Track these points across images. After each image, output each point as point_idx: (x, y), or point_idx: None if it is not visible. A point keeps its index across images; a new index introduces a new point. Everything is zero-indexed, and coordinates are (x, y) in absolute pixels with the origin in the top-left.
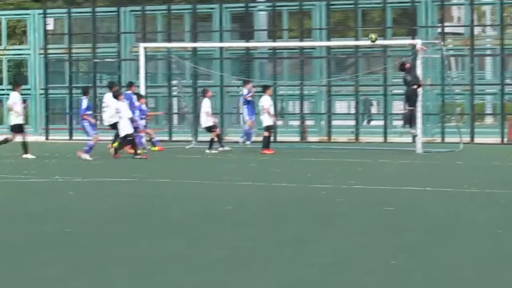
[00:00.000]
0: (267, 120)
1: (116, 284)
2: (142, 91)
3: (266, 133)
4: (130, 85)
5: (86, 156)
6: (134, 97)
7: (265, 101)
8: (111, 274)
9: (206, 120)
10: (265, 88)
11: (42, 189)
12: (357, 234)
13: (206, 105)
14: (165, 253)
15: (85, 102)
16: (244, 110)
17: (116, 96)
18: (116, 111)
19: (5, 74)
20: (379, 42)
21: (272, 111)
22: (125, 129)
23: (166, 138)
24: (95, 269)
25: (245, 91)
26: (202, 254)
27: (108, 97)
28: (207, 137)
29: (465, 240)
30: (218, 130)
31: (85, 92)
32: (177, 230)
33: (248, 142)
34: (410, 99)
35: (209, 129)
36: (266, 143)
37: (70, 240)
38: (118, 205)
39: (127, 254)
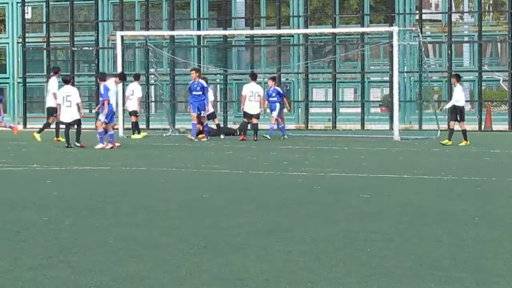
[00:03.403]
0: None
1: (92, 272)
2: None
3: (255, 120)
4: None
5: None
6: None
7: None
8: (87, 262)
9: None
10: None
11: (19, 177)
12: (334, 222)
13: (211, 93)
14: (140, 242)
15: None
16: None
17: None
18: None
19: None
20: (357, 29)
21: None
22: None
23: (144, 126)
24: (72, 257)
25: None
26: (176, 243)
27: (133, 87)
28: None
29: (441, 228)
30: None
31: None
32: (152, 218)
33: (286, 136)
34: None
35: (212, 116)
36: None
37: (47, 229)
38: (94, 193)
39: (103, 242)
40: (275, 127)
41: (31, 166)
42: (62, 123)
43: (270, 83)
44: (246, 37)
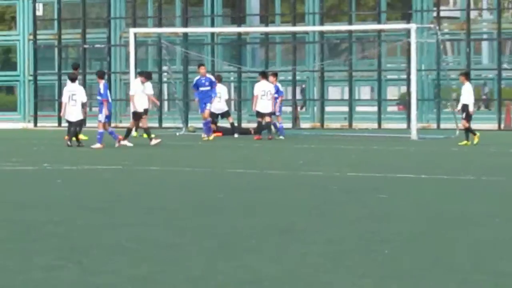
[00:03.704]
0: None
1: (104, 273)
2: (132, 77)
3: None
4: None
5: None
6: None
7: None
8: (99, 263)
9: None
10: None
11: (29, 177)
12: (350, 223)
13: (225, 91)
14: (153, 242)
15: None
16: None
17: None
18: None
19: None
20: (373, 26)
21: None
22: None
23: (156, 124)
24: (84, 258)
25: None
26: (190, 244)
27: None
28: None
29: (460, 229)
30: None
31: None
32: (165, 218)
33: (281, 137)
34: None
35: (226, 115)
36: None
37: (58, 229)
38: (106, 193)
39: (115, 243)
40: (283, 125)
41: (42, 165)
42: (67, 121)
43: (271, 79)
44: (261, 34)
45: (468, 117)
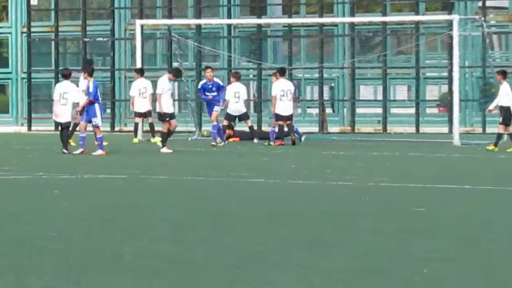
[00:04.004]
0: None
1: None
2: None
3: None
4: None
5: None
6: None
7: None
8: (100, 282)
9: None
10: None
11: (23, 187)
12: (384, 238)
13: (244, 91)
14: (162, 258)
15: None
16: None
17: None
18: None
19: None
20: (411, 18)
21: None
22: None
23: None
24: (83, 277)
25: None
26: (204, 259)
27: (146, 83)
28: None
29: (508, 244)
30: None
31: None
32: (176, 232)
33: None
34: None
35: (244, 117)
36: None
37: (55, 245)
38: (108, 205)
39: (119, 259)
40: (276, 129)
41: (37, 174)
42: (56, 123)
43: (274, 78)
44: (283, 26)
45: (506, 121)
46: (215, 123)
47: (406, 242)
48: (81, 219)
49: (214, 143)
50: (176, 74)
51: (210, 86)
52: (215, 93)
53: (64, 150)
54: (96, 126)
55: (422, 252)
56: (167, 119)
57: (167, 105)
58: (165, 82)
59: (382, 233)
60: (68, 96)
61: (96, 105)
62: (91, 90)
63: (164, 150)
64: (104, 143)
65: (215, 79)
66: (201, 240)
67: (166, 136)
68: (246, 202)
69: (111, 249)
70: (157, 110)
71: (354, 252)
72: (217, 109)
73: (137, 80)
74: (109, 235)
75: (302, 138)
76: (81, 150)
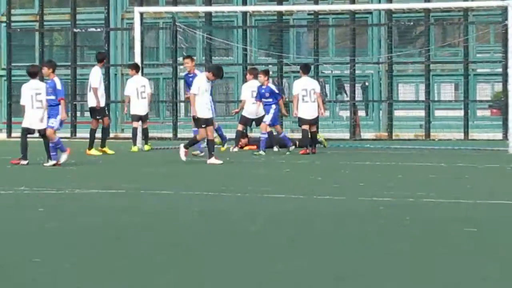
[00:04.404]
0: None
1: None
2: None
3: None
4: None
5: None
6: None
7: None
8: None
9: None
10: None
11: (2, 204)
12: (428, 264)
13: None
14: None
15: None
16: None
17: None
18: None
19: None
20: (458, 4)
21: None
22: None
23: (169, 135)
24: None
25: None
26: None
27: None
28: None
29: None
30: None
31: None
32: (181, 258)
33: (291, 148)
34: None
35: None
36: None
37: (40, 273)
38: (101, 227)
39: None
40: (266, 136)
41: (18, 189)
42: (28, 130)
43: (262, 78)
44: (309, 14)
45: None
46: (195, 128)
47: (455, 269)
48: (70, 244)
49: (194, 153)
50: (217, 73)
51: (191, 78)
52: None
53: (50, 162)
54: (52, 128)
55: (474, 280)
56: (203, 125)
57: (203, 109)
58: (202, 82)
59: (426, 259)
60: (42, 97)
61: (62, 105)
62: (59, 87)
63: (213, 160)
64: (96, 153)
65: (197, 71)
66: (212, 268)
67: (193, 143)
68: (264, 222)
69: (105, 279)
70: (192, 114)
71: (390, 284)
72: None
73: (133, 77)
74: (103, 263)
75: (291, 148)
76: (66, 156)
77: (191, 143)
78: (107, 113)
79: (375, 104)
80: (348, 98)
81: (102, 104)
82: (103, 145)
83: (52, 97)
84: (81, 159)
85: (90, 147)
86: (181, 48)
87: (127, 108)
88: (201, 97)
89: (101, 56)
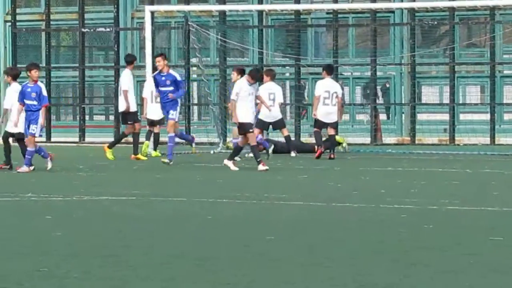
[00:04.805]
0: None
1: None
2: (149, 72)
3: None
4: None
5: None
6: None
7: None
8: None
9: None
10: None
11: (8, 212)
12: (453, 275)
13: (279, 92)
14: None
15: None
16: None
17: None
18: None
19: None
20: (484, 2)
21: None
22: None
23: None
24: None
25: None
26: None
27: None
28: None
29: None
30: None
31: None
32: (194, 269)
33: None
34: None
35: (279, 125)
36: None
37: (47, 283)
38: (113, 235)
39: None
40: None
41: (25, 196)
42: (10, 134)
43: (234, 76)
44: (327, 13)
45: None
46: (171, 133)
47: (481, 280)
48: (77, 253)
49: (165, 160)
50: (256, 76)
51: (163, 78)
52: (170, 88)
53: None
54: (33, 136)
55: None
56: (250, 130)
57: (248, 114)
58: (243, 86)
59: (451, 269)
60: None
61: (42, 112)
62: (44, 93)
63: (261, 167)
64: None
65: (171, 71)
66: (224, 279)
67: (239, 150)
68: (280, 231)
69: None
70: (233, 120)
71: None
72: (173, 114)
73: (149, 80)
74: (112, 273)
75: (270, 150)
76: (26, 168)
77: (235, 153)
78: (139, 118)
79: (397, 107)
80: (381, 101)
81: (134, 108)
82: (135, 152)
83: (35, 102)
84: (90, 164)
85: (136, 152)
86: (193, 48)
87: (145, 111)
88: (244, 102)
89: (130, 58)
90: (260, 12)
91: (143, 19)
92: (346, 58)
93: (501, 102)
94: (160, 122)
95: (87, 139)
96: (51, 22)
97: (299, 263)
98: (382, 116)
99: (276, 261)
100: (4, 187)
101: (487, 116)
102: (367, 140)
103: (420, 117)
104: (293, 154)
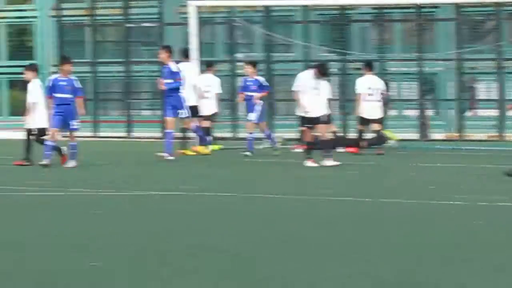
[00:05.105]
0: None
1: None
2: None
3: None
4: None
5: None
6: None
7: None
8: None
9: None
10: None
11: (55, 206)
12: (505, 275)
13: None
14: None
15: None
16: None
17: None
18: None
19: (3, 46)
20: None
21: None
22: None
23: (229, 134)
24: None
25: None
26: None
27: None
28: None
29: None
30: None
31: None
32: (237, 267)
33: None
34: None
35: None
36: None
37: (98, 277)
38: (161, 229)
39: None
40: (254, 136)
41: (69, 190)
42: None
43: (249, 69)
44: (373, 8)
45: None
46: (169, 130)
47: None
48: (127, 247)
49: (159, 154)
50: (323, 71)
51: (167, 69)
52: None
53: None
54: (75, 130)
55: None
56: (310, 125)
57: (310, 107)
58: (307, 79)
59: (503, 268)
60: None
61: (78, 104)
62: (78, 86)
63: (309, 163)
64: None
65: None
66: (267, 277)
67: (313, 147)
68: (328, 227)
69: (167, 285)
70: (297, 112)
71: None
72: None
73: (203, 75)
74: (156, 269)
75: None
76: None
77: (309, 149)
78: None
79: (445, 103)
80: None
81: (194, 103)
82: (183, 146)
83: (69, 95)
84: (136, 160)
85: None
86: (239, 44)
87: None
88: (308, 95)
89: (188, 52)
90: (305, 7)
91: (188, 14)
92: (392, 53)
93: None
94: (209, 118)
95: (134, 134)
96: (96, 18)
97: (338, 255)
98: (430, 112)
99: (314, 250)
100: (50, 181)
101: None
102: (415, 135)
103: (468, 113)
104: (339, 150)
